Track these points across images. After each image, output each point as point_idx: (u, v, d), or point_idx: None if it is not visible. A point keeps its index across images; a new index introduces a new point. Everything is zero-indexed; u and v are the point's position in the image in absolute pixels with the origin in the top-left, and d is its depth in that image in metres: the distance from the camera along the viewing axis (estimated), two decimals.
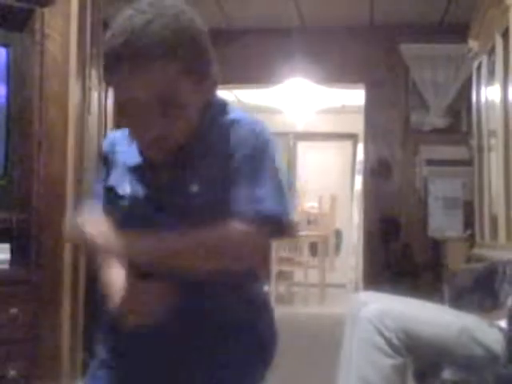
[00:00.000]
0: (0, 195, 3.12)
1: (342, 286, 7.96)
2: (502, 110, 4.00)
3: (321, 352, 3.89)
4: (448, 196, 5.76)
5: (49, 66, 3.27)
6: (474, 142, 5.21)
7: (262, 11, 5.70)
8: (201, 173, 1.26)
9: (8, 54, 3.18)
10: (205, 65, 1.28)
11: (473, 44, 4.91)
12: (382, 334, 2.35)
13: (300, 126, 8.70)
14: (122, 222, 1.29)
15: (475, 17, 4.65)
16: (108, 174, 1.38)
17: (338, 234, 8.80)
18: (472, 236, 5.12)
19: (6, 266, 3.00)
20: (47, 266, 3.20)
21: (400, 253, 5.82)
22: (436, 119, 5.87)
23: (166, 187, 1.29)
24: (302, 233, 7.50)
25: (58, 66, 3.33)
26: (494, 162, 4.38)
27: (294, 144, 9.70)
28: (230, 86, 6.29)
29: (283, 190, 1.26)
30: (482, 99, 4.81)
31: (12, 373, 2.89)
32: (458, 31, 5.14)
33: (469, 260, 4.78)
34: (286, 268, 7.64)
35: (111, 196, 1.35)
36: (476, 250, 4.81)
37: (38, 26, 3.21)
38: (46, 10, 3.21)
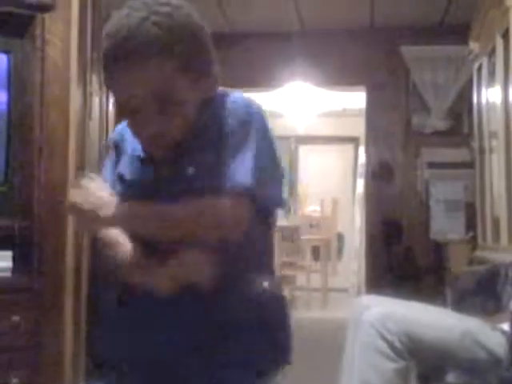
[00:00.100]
0: (1, 202, 3.11)
1: (345, 290, 7.94)
2: (502, 112, 3.99)
3: (323, 356, 3.88)
4: (450, 198, 5.74)
5: (50, 72, 3.27)
6: (475, 144, 5.21)
7: (264, 15, 5.69)
8: (197, 156, 1.28)
9: (9, 60, 3.17)
10: (203, 62, 1.28)
11: (473, 45, 4.91)
12: (384, 338, 2.34)
13: (301, 130, 8.69)
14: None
15: (475, 18, 4.65)
16: (118, 161, 1.41)
17: (340, 237, 8.79)
18: (474, 238, 5.11)
19: (8, 274, 2.99)
20: (49, 272, 3.19)
21: (402, 256, 5.81)
22: (437, 121, 5.86)
23: (167, 179, 1.31)
24: (304, 237, 7.50)
25: (58, 72, 3.32)
26: (496, 164, 4.37)
27: (296, 148, 9.70)
28: (233, 89, 6.27)
29: (265, 161, 1.27)
30: (483, 101, 4.81)
31: (14, 381, 2.87)
32: (458, 33, 5.15)
33: (471, 262, 4.77)
34: (288, 272, 7.64)
35: (119, 182, 1.38)
36: (478, 253, 4.80)
37: (38, 31, 3.20)
38: (46, 16, 3.20)
